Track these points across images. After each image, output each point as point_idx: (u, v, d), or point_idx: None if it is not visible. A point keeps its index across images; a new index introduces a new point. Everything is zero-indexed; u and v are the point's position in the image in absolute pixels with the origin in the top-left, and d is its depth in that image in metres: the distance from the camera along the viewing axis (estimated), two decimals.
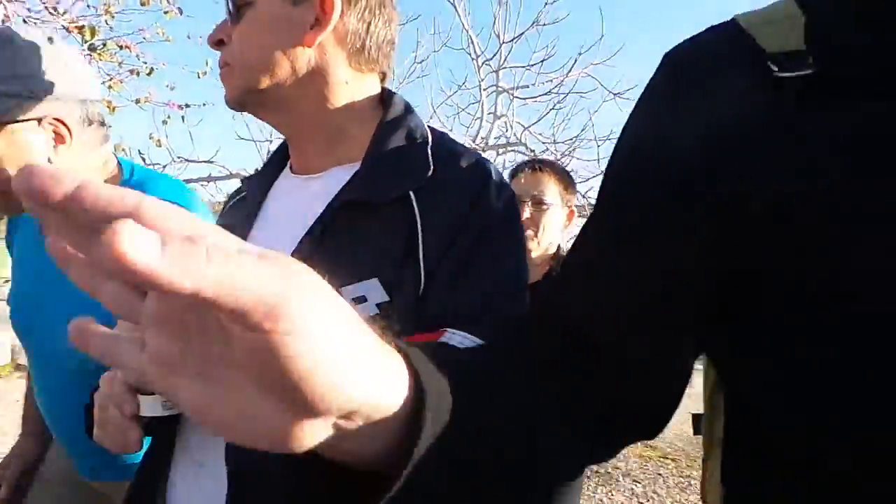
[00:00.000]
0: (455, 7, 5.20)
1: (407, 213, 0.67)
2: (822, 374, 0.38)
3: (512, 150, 5.46)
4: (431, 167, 0.70)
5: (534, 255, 1.56)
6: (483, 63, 5.33)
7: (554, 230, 1.57)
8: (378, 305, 0.64)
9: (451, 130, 5.52)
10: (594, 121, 5.14)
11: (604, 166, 5.34)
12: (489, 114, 5.44)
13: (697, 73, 0.43)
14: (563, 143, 5.58)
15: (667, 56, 0.48)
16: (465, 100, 6.02)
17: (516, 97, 5.52)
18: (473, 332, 0.60)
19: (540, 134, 5.78)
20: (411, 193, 0.68)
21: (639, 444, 7.47)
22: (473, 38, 5.28)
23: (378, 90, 0.79)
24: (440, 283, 0.65)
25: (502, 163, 5.84)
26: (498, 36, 5.35)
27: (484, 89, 5.34)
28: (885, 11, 0.37)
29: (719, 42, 0.45)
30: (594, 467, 5.26)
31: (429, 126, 0.78)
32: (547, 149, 5.53)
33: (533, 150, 5.33)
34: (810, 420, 0.39)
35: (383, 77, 0.80)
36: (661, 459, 5.87)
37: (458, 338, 0.61)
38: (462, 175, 0.71)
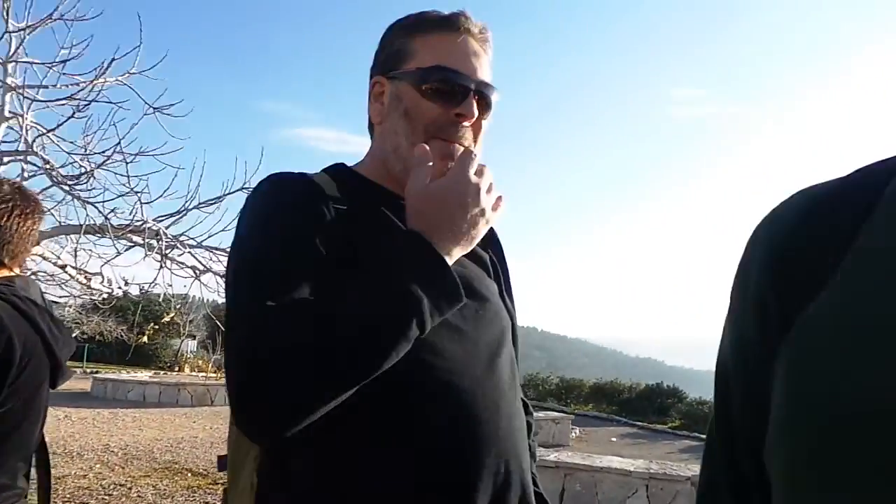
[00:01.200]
0: None
1: None
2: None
3: (20, 160, 4.60)
4: None
5: None
6: None
7: None
8: None
9: None
10: (135, 134, 4.62)
11: (134, 184, 4.91)
12: None
13: (309, 187, 0.90)
14: (99, 155, 4.99)
15: (276, 177, 0.91)
16: None
17: (32, 98, 4.71)
18: None
19: (72, 143, 5.07)
20: None
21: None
22: None
23: None
24: None
25: (18, 174, 4.94)
26: (6, 21, 4.50)
27: None
28: (347, 190, 0.94)
29: (306, 181, 0.92)
30: None
31: None
32: (74, 160, 4.84)
33: (48, 162, 4.57)
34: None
35: None
36: None
37: None
38: None
